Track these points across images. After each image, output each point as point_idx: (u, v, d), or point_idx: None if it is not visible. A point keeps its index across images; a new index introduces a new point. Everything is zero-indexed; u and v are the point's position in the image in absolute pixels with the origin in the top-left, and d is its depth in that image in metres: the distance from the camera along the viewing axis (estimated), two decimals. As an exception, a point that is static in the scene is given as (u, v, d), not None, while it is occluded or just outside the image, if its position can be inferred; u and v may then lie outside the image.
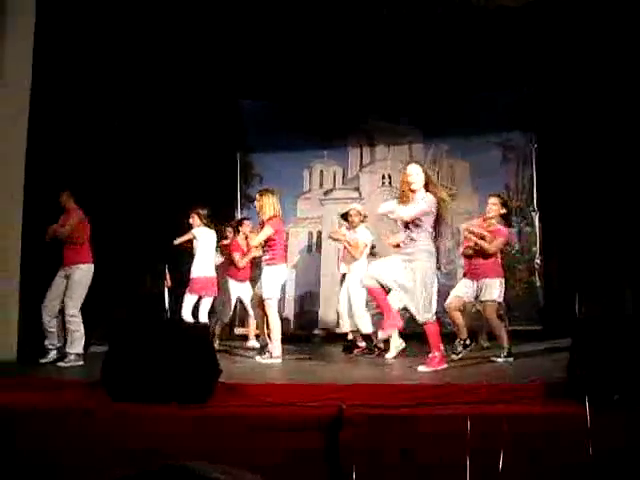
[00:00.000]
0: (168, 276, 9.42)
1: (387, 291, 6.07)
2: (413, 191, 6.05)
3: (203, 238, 8.33)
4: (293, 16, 8.49)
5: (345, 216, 8.28)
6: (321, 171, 11.13)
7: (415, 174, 6.06)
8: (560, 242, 9.41)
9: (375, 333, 7.26)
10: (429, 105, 10.63)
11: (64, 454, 3.71)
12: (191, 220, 8.38)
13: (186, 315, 8.05)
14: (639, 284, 7.66)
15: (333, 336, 9.24)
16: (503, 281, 7.03)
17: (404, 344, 7.36)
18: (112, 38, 7.83)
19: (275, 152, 10.89)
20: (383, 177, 10.98)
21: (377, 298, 6.08)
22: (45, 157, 7.26)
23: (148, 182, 8.61)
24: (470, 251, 7.09)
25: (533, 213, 10.24)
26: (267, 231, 7.10)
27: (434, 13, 8.57)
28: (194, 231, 8.31)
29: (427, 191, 6.04)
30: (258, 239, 7.22)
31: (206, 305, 8.29)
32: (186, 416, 3.90)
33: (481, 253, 6.96)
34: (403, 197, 6.07)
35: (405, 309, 6.15)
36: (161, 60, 8.67)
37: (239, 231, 8.89)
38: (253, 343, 8.90)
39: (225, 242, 9.27)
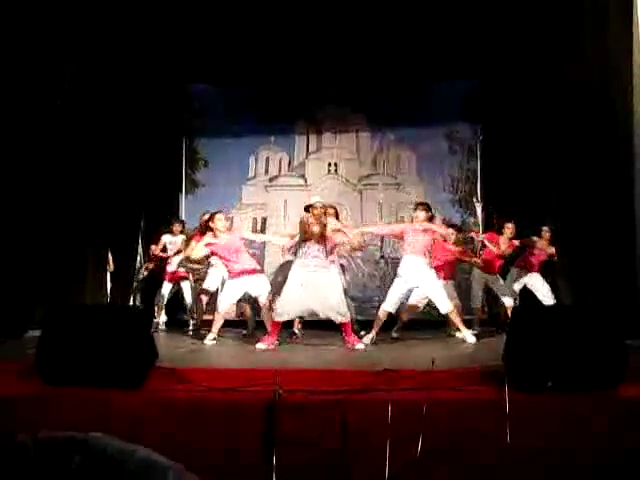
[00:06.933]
0: (111, 260, 9.34)
1: None
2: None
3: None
4: (241, 0, 8.43)
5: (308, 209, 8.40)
6: (267, 157, 11.09)
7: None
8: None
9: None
10: (377, 94, 10.68)
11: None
12: (175, 228, 9.64)
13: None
14: (575, 274, 7.82)
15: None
16: None
17: None
18: (59, 16, 7.64)
19: (221, 137, 10.83)
20: (329, 165, 11.00)
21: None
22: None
23: (92, 163, 8.44)
24: None
25: (477, 204, 10.36)
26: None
27: (386, 1, 8.60)
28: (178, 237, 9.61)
29: None
30: None
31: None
32: (121, 400, 3.86)
33: None
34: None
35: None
36: (107, 43, 8.48)
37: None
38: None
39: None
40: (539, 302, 8.64)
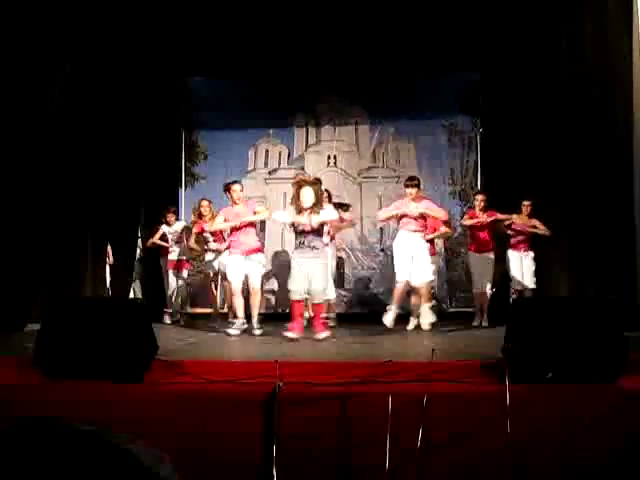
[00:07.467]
0: (110, 253, 9.35)
1: None
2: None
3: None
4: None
5: None
6: (266, 150, 11.07)
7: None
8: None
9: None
10: (376, 87, 10.66)
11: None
12: (170, 218, 9.67)
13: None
14: (575, 267, 7.83)
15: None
16: None
17: None
18: (55, 13, 7.61)
19: (220, 130, 10.82)
20: (329, 157, 10.98)
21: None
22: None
23: (91, 157, 8.43)
24: None
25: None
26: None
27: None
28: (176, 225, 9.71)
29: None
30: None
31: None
32: (121, 393, 3.86)
33: None
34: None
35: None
36: (105, 36, 8.46)
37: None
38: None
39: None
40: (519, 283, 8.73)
